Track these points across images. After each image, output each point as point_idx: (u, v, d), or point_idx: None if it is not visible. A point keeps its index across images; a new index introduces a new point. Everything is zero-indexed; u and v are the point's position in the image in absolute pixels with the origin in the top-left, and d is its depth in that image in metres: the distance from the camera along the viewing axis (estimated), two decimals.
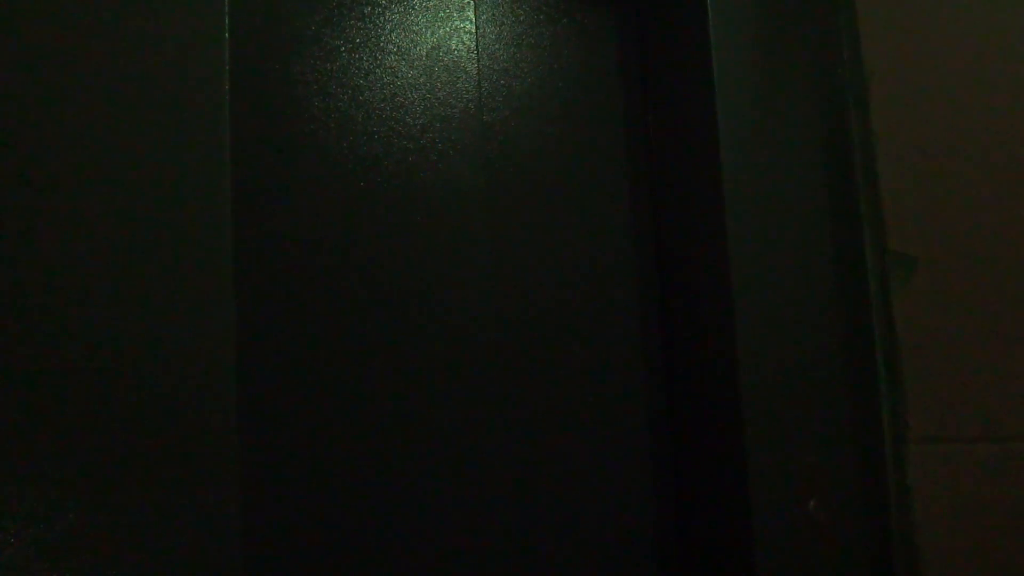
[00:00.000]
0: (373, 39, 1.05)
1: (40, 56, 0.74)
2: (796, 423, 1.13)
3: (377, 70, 1.05)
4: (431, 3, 1.11)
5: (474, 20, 1.14)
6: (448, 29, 1.12)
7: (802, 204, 1.20)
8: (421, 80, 1.08)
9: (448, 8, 1.12)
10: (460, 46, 1.12)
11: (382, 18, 1.07)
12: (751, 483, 1.10)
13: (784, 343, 1.14)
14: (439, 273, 1.06)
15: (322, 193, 0.99)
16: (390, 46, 1.07)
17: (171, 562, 0.74)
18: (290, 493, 0.94)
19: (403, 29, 1.08)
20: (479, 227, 1.10)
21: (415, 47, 1.09)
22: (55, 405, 0.71)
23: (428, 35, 1.10)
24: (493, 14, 1.16)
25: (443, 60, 1.11)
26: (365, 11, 1.06)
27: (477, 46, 1.14)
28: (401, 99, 1.06)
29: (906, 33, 1.26)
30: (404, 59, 1.07)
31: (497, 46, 1.16)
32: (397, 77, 1.06)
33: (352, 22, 1.04)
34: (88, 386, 0.72)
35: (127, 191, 0.76)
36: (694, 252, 1.18)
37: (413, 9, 1.09)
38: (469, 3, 1.15)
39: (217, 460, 0.77)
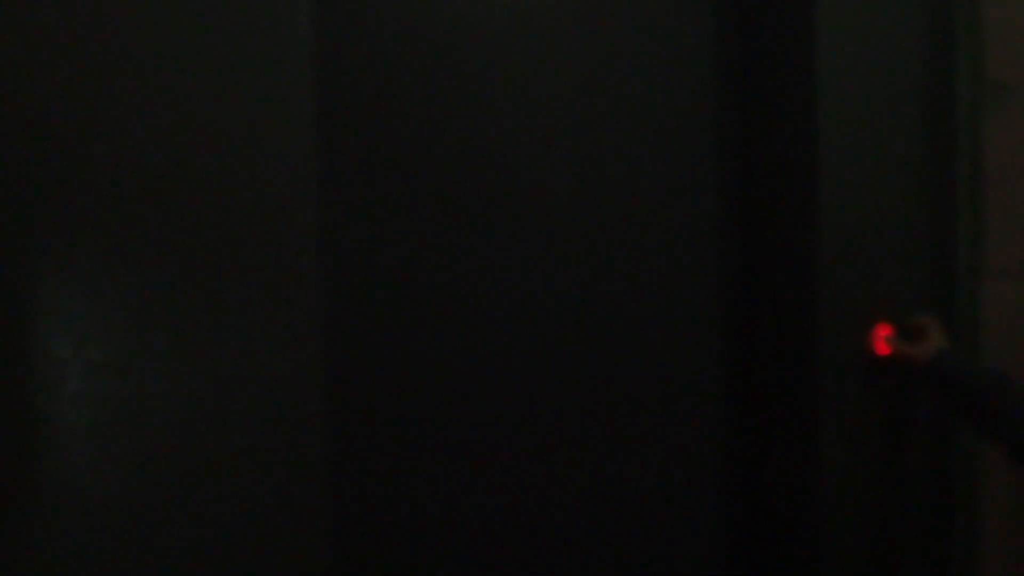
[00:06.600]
0: None
1: None
2: (872, 249, 1.12)
3: None
4: None
5: None
6: None
7: (898, 22, 1.14)
8: None
9: None
10: None
11: None
12: (819, 308, 1.10)
13: (867, 166, 1.11)
14: None
15: None
16: None
17: None
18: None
19: None
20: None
21: None
22: None
23: None
24: None
25: None
26: None
27: None
28: None
29: None
30: None
31: None
32: None
33: None
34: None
35: None
36: (781, 62, 1.14)
37: None
38: None
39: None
